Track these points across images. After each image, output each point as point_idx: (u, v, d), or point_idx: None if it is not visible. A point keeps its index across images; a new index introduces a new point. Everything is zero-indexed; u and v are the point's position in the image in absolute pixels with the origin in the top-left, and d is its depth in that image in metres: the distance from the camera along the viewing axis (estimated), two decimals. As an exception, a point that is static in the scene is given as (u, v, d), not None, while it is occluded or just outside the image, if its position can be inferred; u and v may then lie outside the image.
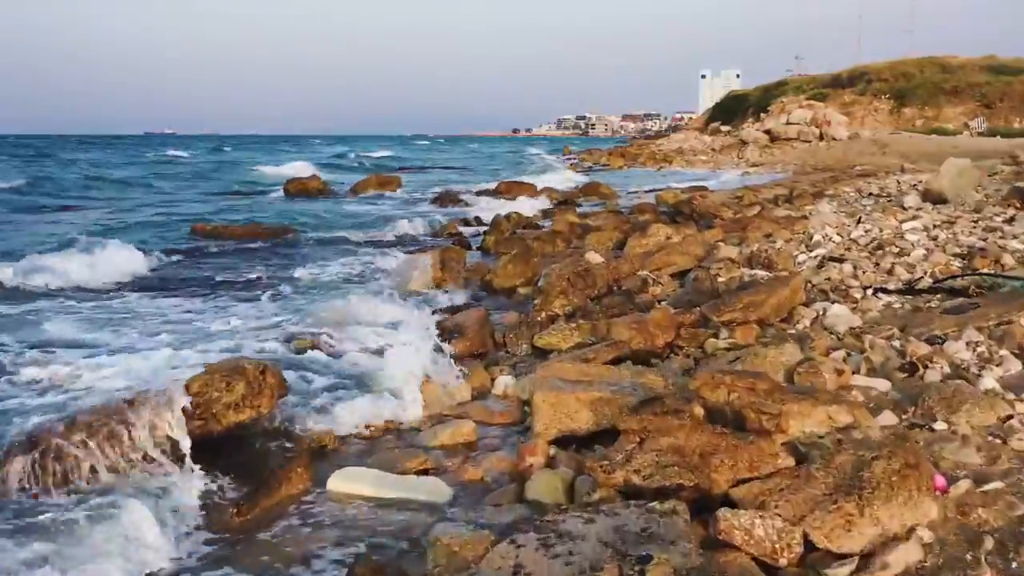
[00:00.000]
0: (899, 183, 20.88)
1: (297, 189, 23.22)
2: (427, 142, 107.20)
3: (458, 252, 10.69)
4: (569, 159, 57.94)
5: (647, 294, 7.94)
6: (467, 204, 20.38)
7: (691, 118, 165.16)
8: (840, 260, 8.09)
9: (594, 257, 10.07)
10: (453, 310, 7.94)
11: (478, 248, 12.44)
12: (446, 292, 8.97)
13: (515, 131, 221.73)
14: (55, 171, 31.82)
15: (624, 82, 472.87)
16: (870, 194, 18.15)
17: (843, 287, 7.10)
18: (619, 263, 9.01)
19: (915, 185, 18.11)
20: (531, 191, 23.71)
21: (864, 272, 7.52)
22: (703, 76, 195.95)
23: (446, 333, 6.65)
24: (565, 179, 33.50)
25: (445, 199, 20.58)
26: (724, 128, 53.46)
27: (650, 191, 25.56)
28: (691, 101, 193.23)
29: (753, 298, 6.20)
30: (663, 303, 7.26)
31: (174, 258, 11.73)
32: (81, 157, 45.25)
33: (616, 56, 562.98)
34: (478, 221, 16.53)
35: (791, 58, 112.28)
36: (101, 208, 19.75)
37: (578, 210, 18.33)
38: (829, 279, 7.39)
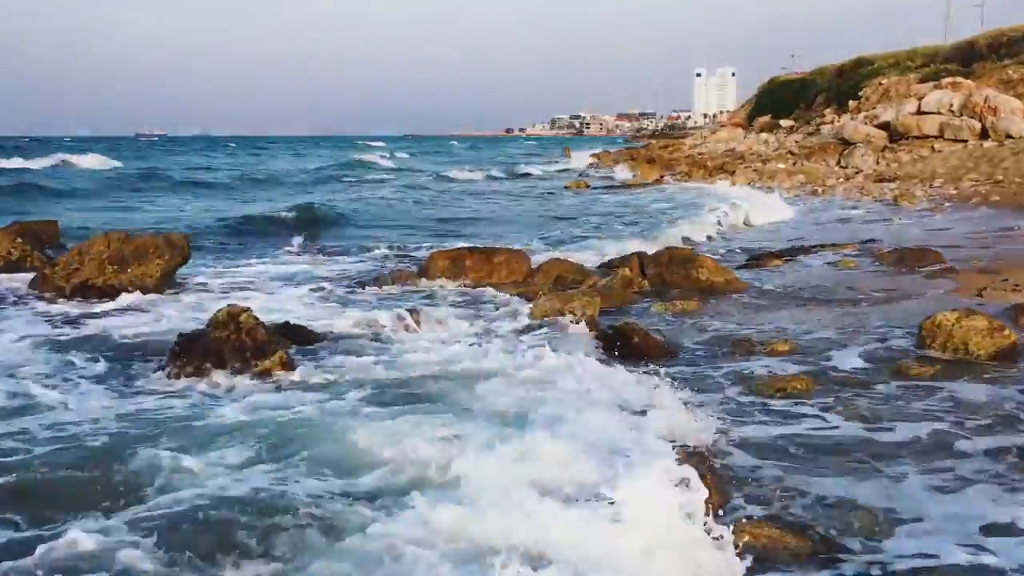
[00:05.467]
0: None
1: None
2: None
3: None
4: (568, 164, 43.93)
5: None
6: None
7: (688, 116, 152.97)
8: None
9: None
10: None
11: None
12: None
13: (508, 131, 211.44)
14: None
15: (618, 81, 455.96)
16: None
17: None
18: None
19: None
20: (518, 271, 9.63)
21: None
22: (698, 75, 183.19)
23: None
24: (578, 202, 19.87)
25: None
26: (785, 123, 39.25)
27: (780, 252, 11.61)
28: (686, 100, 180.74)
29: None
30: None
31: None
32: None
33: (610, 55, 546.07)
34: None
35: (787, 56, 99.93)
36: None
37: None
38: None
